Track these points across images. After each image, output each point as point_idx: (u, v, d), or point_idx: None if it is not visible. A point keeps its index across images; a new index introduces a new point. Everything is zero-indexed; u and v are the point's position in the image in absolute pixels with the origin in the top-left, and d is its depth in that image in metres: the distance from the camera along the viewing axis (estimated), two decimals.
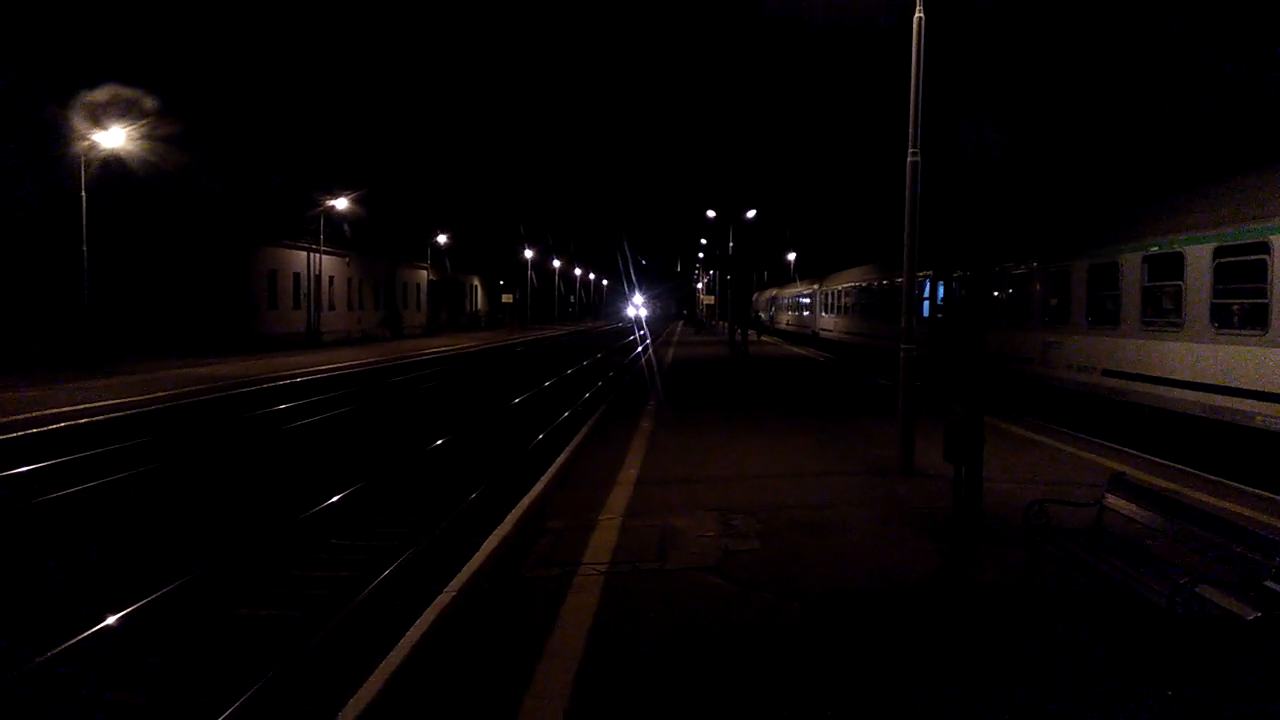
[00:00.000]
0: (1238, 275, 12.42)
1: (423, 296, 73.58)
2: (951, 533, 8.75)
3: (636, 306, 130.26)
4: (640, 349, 49.50)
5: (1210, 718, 4.99)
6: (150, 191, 37.93)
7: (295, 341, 47.71)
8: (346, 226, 54.53)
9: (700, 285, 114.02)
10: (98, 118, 31.26)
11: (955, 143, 9.38)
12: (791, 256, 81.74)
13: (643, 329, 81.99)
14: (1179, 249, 13.50)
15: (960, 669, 5.62)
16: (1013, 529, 8.31)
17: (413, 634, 6.27)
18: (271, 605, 8.43)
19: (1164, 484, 10.53)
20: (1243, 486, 10.87)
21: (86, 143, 30.17)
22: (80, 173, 29.51)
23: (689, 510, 9.78)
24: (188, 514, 11.84)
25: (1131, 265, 14.71)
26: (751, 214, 47.98)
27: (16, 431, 16.22)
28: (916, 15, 11.58)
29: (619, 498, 10.49)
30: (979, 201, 9.69)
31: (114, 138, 30.64)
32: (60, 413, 18.54)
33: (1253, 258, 12.02)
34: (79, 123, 31.26)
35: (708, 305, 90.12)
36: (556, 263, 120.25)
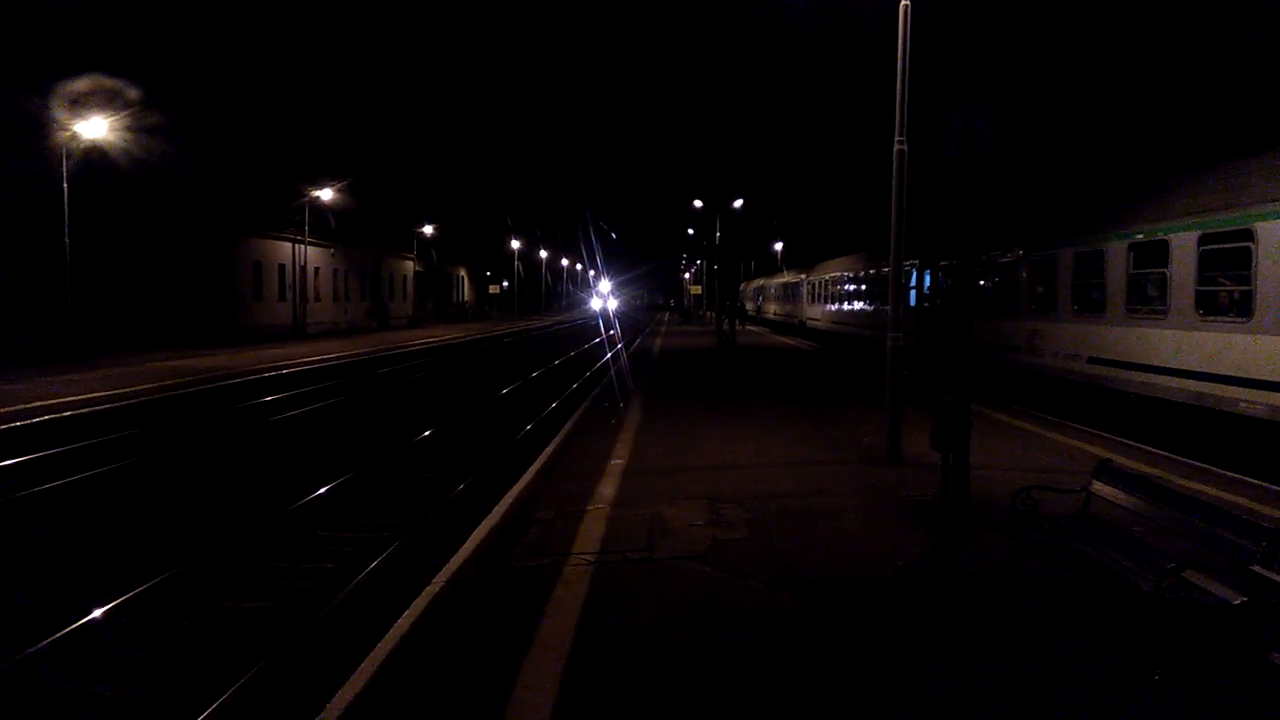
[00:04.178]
0: (1222, 262, 12.48)
1: (409, 287, 73.28)
2: (939, 520, 8.77)
3: (602, 296, 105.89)
4: (615, 351, 36.65)
5: (1198, 702, 5.02)
6: (133, 183, 37.55)
7: (281, 333, 47.46)
8: (331, 218, 54.17)
9: (687, 276, 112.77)
10: (79, 108, 30.94)
11: (942, 131, 9.36)
12: (779, 246, 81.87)
13: (613, 328, 59.44)
14: (1164, 236, 13.54)
15: (949, 655, 5.64)
16: (1000, 516, 8.33)
17: (401, 625, 6.25)
18: (258, 598, 8.39)
19: (1150, 470, 10.58)
20: (1228, 472, 10.94)
21: (68, 133, 29.85)
22: (62, 164, 29.22)
23: (677, 500, 9.77)
24: (173, 507, 11.77)
25: (1117, 253, 14.76)
26: (739, 203, 48.00)
27: None
28: (903, 2, 11.56)
29: (607, 488, 10.47)
30: (966, 190, 9.69)
31: (95, 128, 30.33)
32: (43, 405, 18.37)
33: (1237, 245, 12.07)
34: (60, 113, 30.94)
35: (695, 295, 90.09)
36: (544, 253, 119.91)
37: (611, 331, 49.92)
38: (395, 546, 9.43)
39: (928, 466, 10.65)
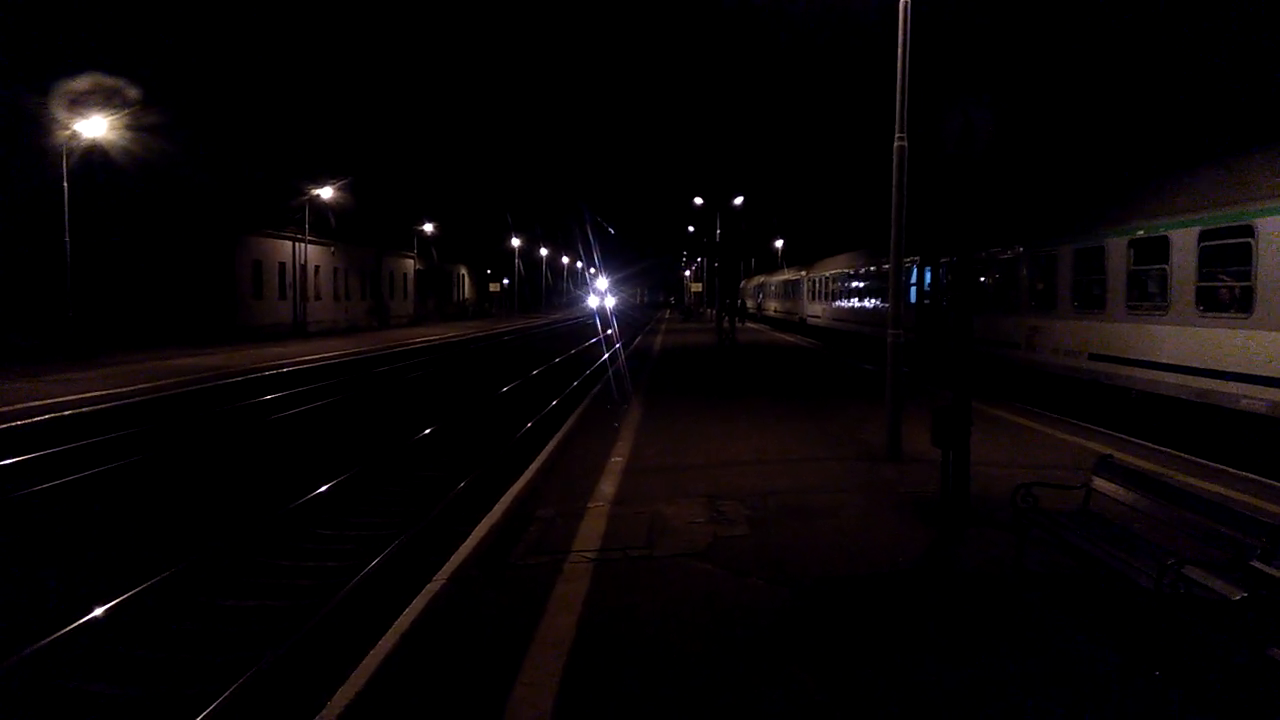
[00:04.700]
0: (1222, 258, 12.47)
1: (410, 286, 73.28)
2: (939, 517, 8.77)
3: (599, 293, 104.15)
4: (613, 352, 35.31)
5: (1198, 698, 5.02)
6: (133, 181, 37.56)
7: (281, 332, 47.46)
8: (332, 216, 54.16)
9: (688, 273, 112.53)
10: (79, 107, 30.92)
11: (942, 128, 9.35)
12: (779, 243, 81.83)
13: (610, 327, 54.69)
14: (1164, 233, 13.54)
15: (949, 652, 5.64)
16: (1000, 512, 8.33)
17: (402, 622, 6.25)
18: (258, 596, 8.39)
19: (1150, 466, 10.58)
20: (1228, 468, 10.94)
21: (68, 132, 29.84)
22: (62, 163, 29.22)
23: (677, 497, 9.77)
24: (174, 506, 11.78)
25: (1117, 249, 14.75)
26: (739, 201, 47.94)
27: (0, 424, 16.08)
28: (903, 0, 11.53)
29: (607, 485, 10.47)
30: (965, 187, 9.68)
31: (96, 127, 30.31)
32: (44, 404, 18.38)
33: (1237, 241, 12.07)
34: (60, 112, 30.92)
35: (695, 293, 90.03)
36: (544, 251, 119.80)
37: (609, 331, 48.74)
38: (396, 545, 9.44)
39: (928, 463, 10.65)
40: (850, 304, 35.45)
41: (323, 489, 11.74)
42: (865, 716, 4.88)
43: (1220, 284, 12.59)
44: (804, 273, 48.78)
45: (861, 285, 33.50)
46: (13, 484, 12.35)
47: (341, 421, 19.18)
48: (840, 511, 9.11)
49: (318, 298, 54.00)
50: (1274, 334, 11.33)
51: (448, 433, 17.09)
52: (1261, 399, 11.51)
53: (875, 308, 30.68)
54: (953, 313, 19.42)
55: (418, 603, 6.64)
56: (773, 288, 65.21)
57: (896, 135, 11.63)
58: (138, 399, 19.92)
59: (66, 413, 17.59)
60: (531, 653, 5.68)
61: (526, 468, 11.76)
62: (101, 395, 20.10)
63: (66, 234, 28.97)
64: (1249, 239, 11.79)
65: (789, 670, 5.39)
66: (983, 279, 20.62)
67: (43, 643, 6.83)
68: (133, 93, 33.91)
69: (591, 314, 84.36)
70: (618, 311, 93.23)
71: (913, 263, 24.24)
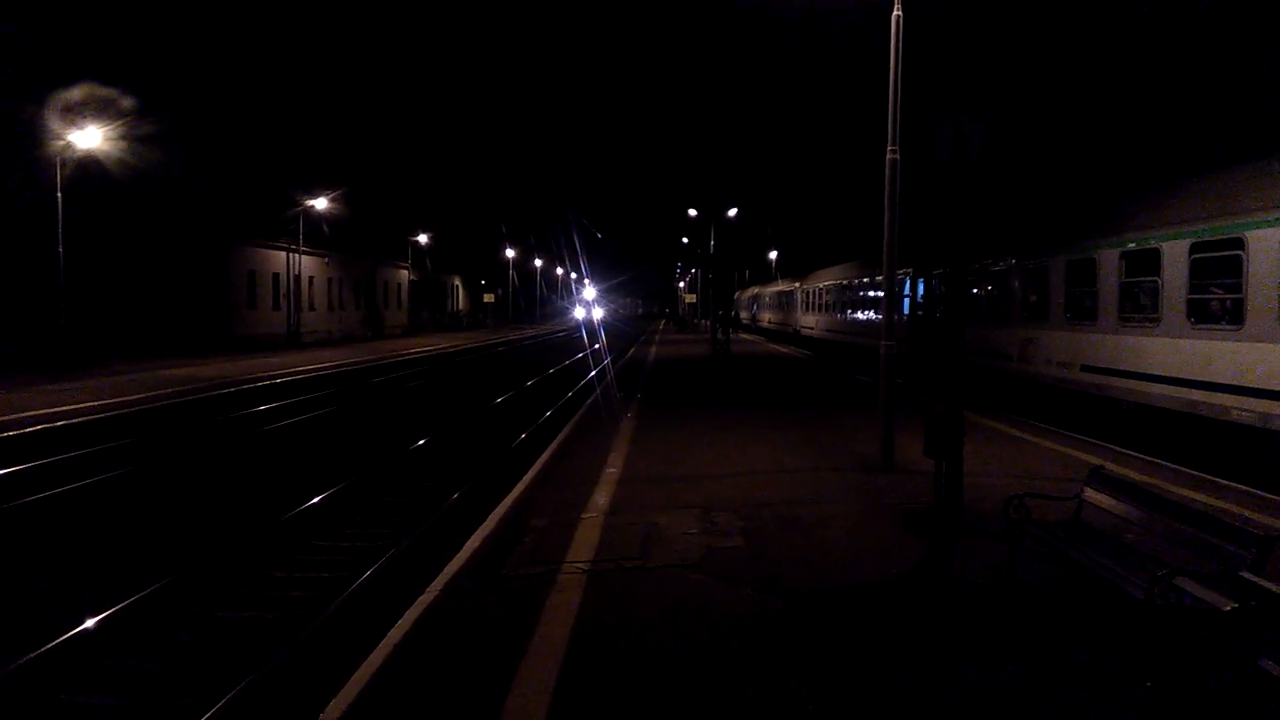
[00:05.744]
0: (1214, 271, 12.54)
1: (404, 296, 73.25)
2: (932, 527, 8.79)
3: (587, 304, 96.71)
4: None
5: (1189, 708, 5.04)
6: (127, 192, 37.53)
7: (275, 342, 47.38)
8: (326, 226, 54.13)
9: (682, 284, 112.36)
10: (73, 117, 30.92)
11: (934, 140, 9.41)
12: (773, 255, 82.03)
13: (598, 342, 48.15)
14: (1156, 245, 13.61)
15: (943, 663, 5.65)
16: (993, 523, 8.36)
17: (394, 634, 6.25)
18: (252, 607, 8.38)
19: (1142, 478, 10.61)
20: (1220, 480, 10.98)
21: (62, 142, 29.82)
22: (56, 173, 29.19)
23: (671, 508, 9.78)
24: (167, 516, 11.75)
25: (1109, 261, 14.83)
26: (733, 212, 48.05)
27: None
28: (895, 13, 11.62)
29: (601, 496, 10.48)
30: (957, 199, 9.73)
31: (90, 137, 30.28)
32: (36, 415, 18.33)
33: (1228, 253, 12.14)
34: (54, 122, 30.92)
35: (690, 304, 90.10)
36: (538, 262, 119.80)
37: (597, 345, 46.08)
38: (389, 555, 9.43)
39: (921, 474, 10.67)
40: (843, 315, 35.52)
41: (316, 500, 11.73)
42: None
43: (1211, 296, 12.66)
44: (798, 284, 48.88)
45: (854, 297, 33.57)
46: (5, 495, 12.30)
47: (336, 432, 19.15)
48: (833, 522, 9.13)
49: (312, 308, 53.94)
50: (1265, 346, 11.39)
51: (442, 443, 17.08)
52: (1252, 410, 11.57)
53: (868, 319, 30.75)
54: (945, 324, 19.45)
55: (411, 614, 6.64)
56: (767, 299, 65.34)
57: (889, 148, 11.70)
58: (131, 409, 19.88)
59: (59, 423, 17.54)
60: (525, 663, 5.69)
61: (521, 478, 11.76)
62: (95, 405, 20.05)
63: (60, 244, 28.92)
64: (1240, 251, 11.86)
65: (783, 681, 5.39)
66: (976, 291, 20.70)
67: (36, 654, 6.81)
68: (127, 102, 33.97)
69: (577, 328, 77.57)
70: (608, 324, 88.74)
71: (906, 274, 24.30)
